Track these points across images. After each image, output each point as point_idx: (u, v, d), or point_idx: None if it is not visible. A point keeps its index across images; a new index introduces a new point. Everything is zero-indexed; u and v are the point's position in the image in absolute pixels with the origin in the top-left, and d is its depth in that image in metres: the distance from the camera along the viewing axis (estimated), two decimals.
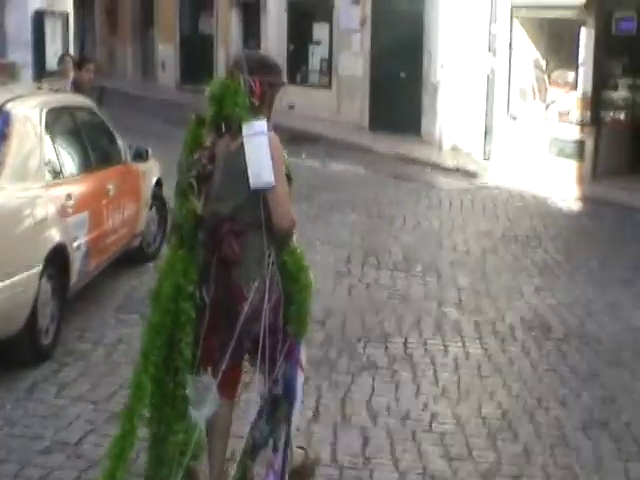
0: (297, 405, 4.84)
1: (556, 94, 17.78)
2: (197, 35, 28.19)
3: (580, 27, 16.84)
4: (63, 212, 7.54)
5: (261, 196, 4.47)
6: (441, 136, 19.12)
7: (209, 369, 4.65)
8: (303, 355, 4.87)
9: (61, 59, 14.04)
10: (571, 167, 16.97)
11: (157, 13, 29.55)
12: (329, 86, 22.78)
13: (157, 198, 10.58)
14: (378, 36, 21.31)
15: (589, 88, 16.84)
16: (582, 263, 11.45)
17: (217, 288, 4.61)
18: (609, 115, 17.40)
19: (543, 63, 18.24)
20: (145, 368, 4.57)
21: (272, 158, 4.42)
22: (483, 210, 14.29)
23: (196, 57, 27.55)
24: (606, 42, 16.57)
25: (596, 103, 16.87)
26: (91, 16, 32.75)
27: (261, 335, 4.51)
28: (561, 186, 16.15)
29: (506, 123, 18.22)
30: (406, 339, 8.21)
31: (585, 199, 15.57)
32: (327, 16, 22.77)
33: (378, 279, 10.14)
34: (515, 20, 18.07)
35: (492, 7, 18.09)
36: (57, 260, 7.31)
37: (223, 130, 4.54)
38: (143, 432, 4.86)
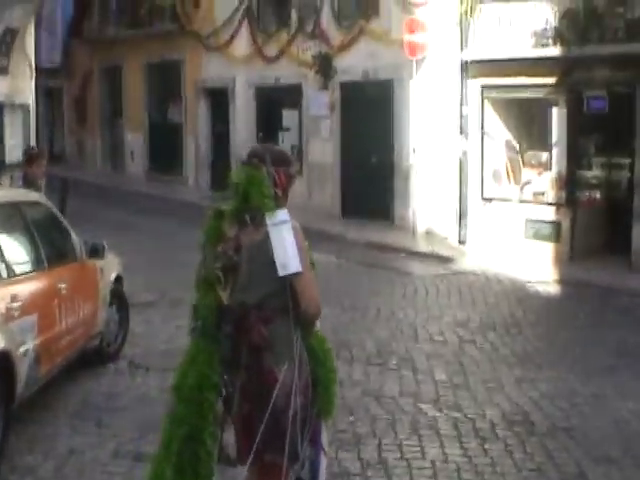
0: None
1: (530, 175, 17.54)
2: (166, 124, 27.86)
3: (551, 107, 16.64)
4: (7, 315, 7.02)
5: (288, 283, 4.60)
6: (414, 221, 18.72)
7: (243, 457, 4.73)
8: (325, 438, 4.98)
9: (25, 152, 13.65)
10: (548, 249, 16.66)
11: (125, 102, 29.20)
12: (300, 173, 22.35)
13: (117, 295, 10.10)
14: (348, 121, 21.06)
15: (563, 168, 16.63)
16: (564, 350, 11.01)
17: (249, 375, 4.68)
18: (584, 195, 17.18)
19: (516, 144, 18.03)
20: (167, 457, 4.63)
21: (297, 246, 4.57)
22: (460, 297, 13.83)
23: (165, 146, 27.24)
24: (578, 121, 16.41)
25: (571, 183, 16.65)
26: (60, 107, 32.43)
27: (290, 416, 4.59)
28: (539, 269, 15.78)
29: (480, 206, 17.91)
30: (380, 441, 7.68)
31: (564, 281, 15.15)
32: (296, 102, 22.51)
33: (351, 374, 9.60)
34: (486, 101, 17.88)
35: (462, 89, 17.89)
36: (0, 368, 6.78)
37: (247, 221, 4.66)
38: None
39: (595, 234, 16.82)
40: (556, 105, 16.63)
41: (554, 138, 16.82)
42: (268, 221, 4.59)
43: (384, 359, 10.23)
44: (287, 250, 4.54)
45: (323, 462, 4.97)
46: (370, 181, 20.18)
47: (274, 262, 4.55)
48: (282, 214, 4.63)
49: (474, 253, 17.20)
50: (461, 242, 18.07)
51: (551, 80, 16.39)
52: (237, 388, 4.72)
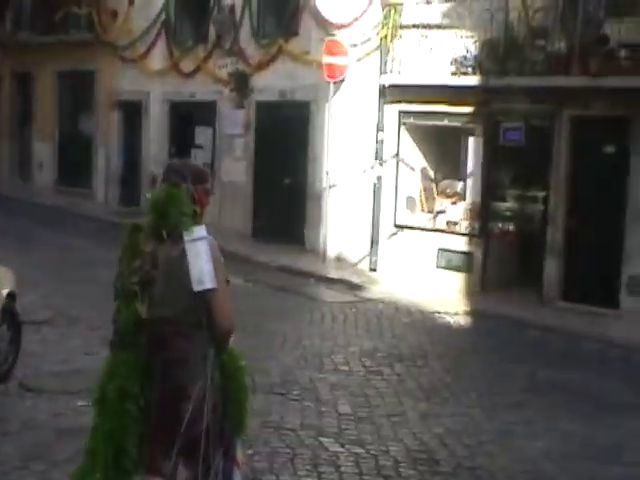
0: None
1: (444, 204, 17.33)
2: (77, 135, 27.12)
3: (468, 136, 16.48)
4: None
5: (203, 299, 4.67)
6: (325, 246, 18.38)
7: (155, 469, 4.76)
8: (239, 453, 5.05)
9: None
10: (459, 279, 16.47)
11: (36, 111, 28.35)
12: (212, 192, 21.85)
13: (8, 312, 9.49)
14: (262, 141, 20.68)
15: (477, 198, 16.47)
16: (471, 385, 10.72)
17: (161, 389, 4.71)
18: (497, 226, 17.01)
19: (431, 172, 17.85)
20: (93, 470, 4.67)
21: (213, 262, 4.64)
22: (367, 326, 13.49)
23: (75, 158, 26.50)
24: (494, 152, 16.25)
25: (484, 214, 16.49)
26: None
27: (202, 431, 4.65)
28: (449, 299, 15.53)
29: (393, 233, 17.64)
30: (278, 478, 7.27)
31: (474, 313, 14.90)
32: (210, 120, 22.04)
33: (252, 404, 9.13)
34: (403, 127, 17.65)
35: (379, 114, 17.63)
36: None
37: (165, 237, 4.69)
38: None
39: (507, 266, 16.67)
40: (473, 135, 16.47)
41: (469, 168, 16.64)
42: (185, 237, 4.65)
43: (287, 388, 9.81)
44: (203, 266, 4.61)
45: (237, 476, 5.01)
46: (283, 203, 19.80)
47: (189, 278, 4.62)
48: (199, 231, 4.70)
49: (385, 281, 16.91)
50: (372, 269, 17.77)
51: (469, 109, 16.25)
52: (152, 401, 4.75)
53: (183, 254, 4.66)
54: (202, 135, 22.47)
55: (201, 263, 4.63)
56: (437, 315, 14.70)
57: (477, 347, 12.91)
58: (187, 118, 23.04)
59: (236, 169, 21.19)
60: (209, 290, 4.67)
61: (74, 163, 26.52)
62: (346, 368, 10.92)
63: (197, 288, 4.64)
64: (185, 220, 4.71)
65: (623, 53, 14.06)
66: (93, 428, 4.82)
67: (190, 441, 4.70)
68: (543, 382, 11.04)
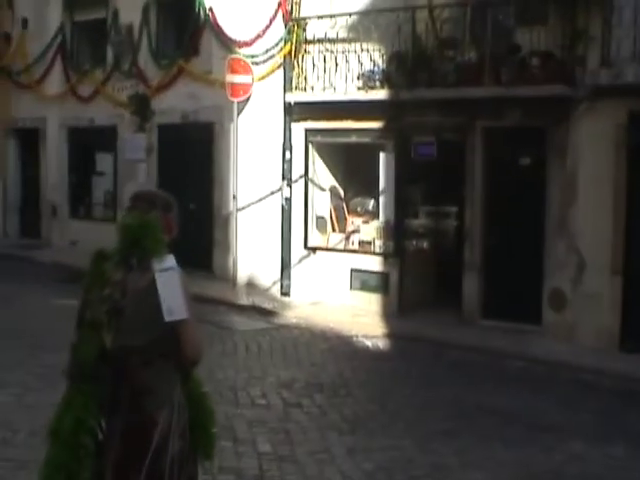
0: None
1: (356, 223, 16.77)
2: None
3: (379, 152, 15.97)
4: None
5: (172, 329, 4.52)
6: (235, 272, 17.58)
7: None
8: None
9: None
10: (376, 301, 15.94)
11: None
12: (114, 220, 20.99)
13: None
14: (166, 166, 19.95)
15: (391, 216, 15.99)
16: (397, 413, 10.11)
17: (127, 419, 4.60)
18: (412, 244, 16.55)
19: (341, 191, 17.31)
20: None
21: (183, 293, 4.51)
22: (283, 354, 12.80)
23: None
24: (406, 168, 15.77)
25: (398, 232, 15.99)
26: None
27: (168, 462, 4.55)
28: (367, 323, 14.96)
29: (305, 256, 17.02)
30: None
31: (393, 336, 14.32)
32: (111, 145, 21.25)
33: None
34: (310, 146, 17.09)
35: (285, 132, 17.02)
36: None
37: (134, 265, 4.61)
38: None
39: (424, 285, 16.25)
40: (384, 151, 15.97)
41: (381, 185, 16.14)
42: (155, 267, 4.54)
43: None
44: (173, 296, 4.49)
45: None
46: (189, 229, 18.83)
47: (159, 307, 4.47)
48: (170, 260, 4.57)
49: (299, 306, 16.28)
50: (284, 294, 17.11)
51: (379, 124, 15.78)
52: (116, 432, 4.63)
53: (152, 284, 4.53)
54: (103, 161, 21.74)
55: (172, 293, 4.51)
56: (355, 339, 14.10)
57: (399, 372, 12.29)
58: (87, 144, 22.19)
59: None
60: (179, 321, 4.52)
61: None
62: (264, 402, 10.22)
63: (168, 318, 4.49)
64: (160, 247, 4.61)
65: (535, 62, 13.69)
66: (45, 461, 4.62)
67: (156, 471, 4.58)
68: (471, 406, 10.49)
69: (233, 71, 17.52)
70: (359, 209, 17.04)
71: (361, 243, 16.55)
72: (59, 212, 22.71)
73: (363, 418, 9.82)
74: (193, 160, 19.13)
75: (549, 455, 8.78)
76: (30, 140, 23.66)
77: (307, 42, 16.61)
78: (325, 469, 8.11)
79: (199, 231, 18.70)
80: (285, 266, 17.17)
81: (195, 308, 4.71)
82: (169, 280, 4.53)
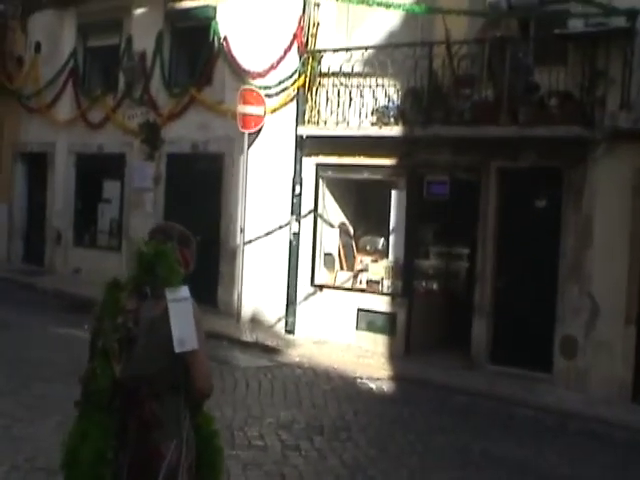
0: None
1: (365, 262, 16.37)
2: None
3: (390, 190, 15.59)
4: None
5: (182, 360, 4.52)
6: (240, 307, 17.22)
7: None
8: None
9: None
10: (382, 342, 15.52)
11: None
12: (119, 249, 20.75)
13: None
14: (173, 196, 19.58)
15: (400, 256, 15.59)
16: (400, 460, 9.66)
17: (135, 450, 4.55)
18: (421, 285, 16.16)
19: (351, 228, 16.94)
20: None
21: (195, 324, 4.50)
22: (284, 393, 12.35)
23: None
24: (418, 206, 15.42)
25: (408, 272, 15.60)
26: None
27: None
28: (371, 364, 14.52)
29: (311, 293, 16.61)
30: None
31: (399, 378, 13.88)
32: (119, 173, 20.89)
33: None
34: (321, 181, 16.74)
35: (296, 166, 16.68)
36: None
37: (148, 293, 4.61)
38: None
39: (433, 327, 15.81)
40: (395, 188, 15.61)
41: (392, 223, 15.74)
42: (169, 296, 4.53)
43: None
44: (185, 327, 4.48)
45: None
46: (194, 261, 18.56)
47: (170, 338, 4.46)
48: (183, 290, 4.58)
49: (302, 344, 15.85)
50: (289, 331, 16.69)
51: (391, 161, 15.46)
52: (124, 463, 4.56)
53: (165, 313, 4.52)
54: (110, 189, 21.38)
55: (184, 324, 4.50)
56: (359, 381, 13.66)
57: (403, 416, 11.81)
58: (94, 171, 21.81)
59: (145, 225, 19.76)
60: (190, 352, 4.51)
61: None
62: (261, 443, 9.78)
63: (179, 349, 4.49)
64: (175, 276, 4.65)
65: (553, 102, 13.34)
66: None
67: None
68: (478, 456, 10.06)
69: (245, 102, 17.21)
70: (368, 247, 16.65)
71: (369, 282, 16.13)
72: (63, 239, 22.35)
73: (363, 464, 9.39)
74: (201, 191, 18.75)
75: None
76: (38, 165, 23.36)
77: (322, 75, 16.27)
78: None
79: (204, 264, 17.88)
80: (290, 303, 16.77)
81: (206, 341, 4.69)
82: (182, 310, 4.52)
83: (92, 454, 4.49)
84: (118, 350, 4.58)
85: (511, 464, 9.77)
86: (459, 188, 15.07)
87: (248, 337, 16.14)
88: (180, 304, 4.53)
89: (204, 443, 4.79)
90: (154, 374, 4.58)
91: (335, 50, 16.13)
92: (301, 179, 16.67)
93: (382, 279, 15.89)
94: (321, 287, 16.57)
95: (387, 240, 16.06)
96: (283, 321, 16.86)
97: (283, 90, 17.17)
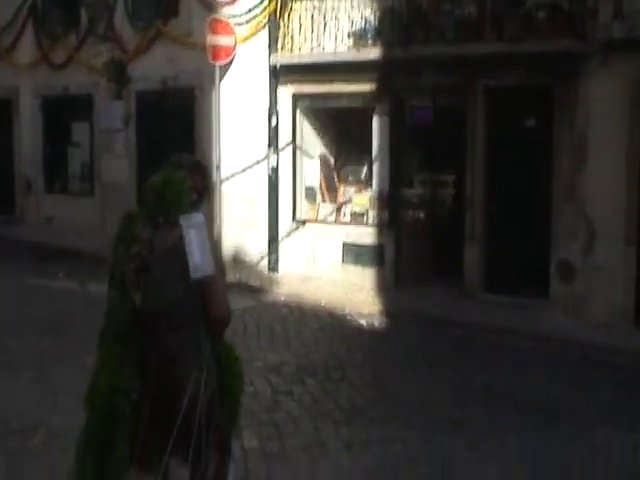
0: None
1: (348, 194, 15.68)
2: None
3: (372, 117, 14.86)
4: None
5: (199, 288, 4.50)
6: (219, 246, 16.46)
7: (147, 467, 4.61)
8: (234, 446, 5.02)
9: None
10: (370, 276, 14.89)
11: None
12: (92, 194, 20.01)
13: None
14: (145, 135, 18.76)
15: (385, 185, 14.87)
16: (398, 400, 9.09)
17: (157, 383, 4.54)
18: (408, 215, 15.52)
19: (332, 159, 16.23)
20: (83, 470, 4.54)
21: (211, 250, 4.48)
22: (271, 335, 11.72)
23: None
24: (401, 133, 14.70)
25: (393, 202, 14.91)
26: None
27: (196, 426, 4.49)
28: (361, 299, 13.92)
29: (293, 229, 15.93)
30: None
31: (390, 313, 13.27)
32: (87, 115, 20.05)
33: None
34: (298, 111, 15.95)
35: (271, 97, 15.90)
36: None
37: (161, 222, 4.60)
38: None
39: (422, 258, 15.15)
40: (377, 115, 14.85)
41: (374, 151, 15.01)
42: (183, 223, 4.52)
43: None
44: (201, 253, 4.46)
45: (232, 469, 4.89)
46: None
47: (186, 266, 4.46)
48: (197, 217, 4.56)
49: (287, 282, 15.22)
50: (272, 269, 16.05)
51: (371, 87, 14.69)
52: (147, 395, 4.57)
53: (180, 241, 4.52)
54: (79, 132, 20.55)
55: (199, 250, 4.47)
56: (349, 318, 13.06)
57: (398, 352, 11.23)
58: (61, 114, 20.92)
59: (117, 168, 19.27)
60: (206, 278, 4.49)
61: None
62: (250, 389, 9.06)
63: (194, 275, 4.47)
64: (183, 199, 4.62)
65: (541, 14, 12.61)
66: (84, 426, 4.65)
67: (185, 436, 4.57)
68: (478, 390, 9.51)
69: (214, 32, 16.34)
70: (351, 178, 15.98)
71: (353, 214, 15.53)
72: (34, 186, 21.54)
73: (360, 406, 8.81)
74: (173, 128, 17.94)
75: (570, 446, 7.79)
76: (2, 111, 22.40)
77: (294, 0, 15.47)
78: (319, 468, 7.10)
79: None
80: (273, 240, 16.10)
81: (223, 267, 4.67)
82: (197, 236, 4.47)
83: (107, 385, 4.53)
84: (136, 279, 4.58)
85: (514, 399, 9.21)
86: (443, 112, 14.50)
87: (230, 277, 15.43)
88: (195, 230, 4.49)
89: (224, 371, 4.80)
90: (171, 306, 4.56)
91: None
92: (277, 110, 15.90)
93: (367, 210, 15.28)
94: (304, 222, 15.90)
95: (370, 170, 15.39)
96: (266, 259, 16.19)
97: (253, 18, 16.31)
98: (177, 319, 4.58)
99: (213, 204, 16.39)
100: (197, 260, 4.47)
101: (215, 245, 4.69)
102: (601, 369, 10.66)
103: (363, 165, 15.76)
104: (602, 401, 9.27)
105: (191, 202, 4.70)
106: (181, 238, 4.52)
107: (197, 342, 4.62)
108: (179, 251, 4.50)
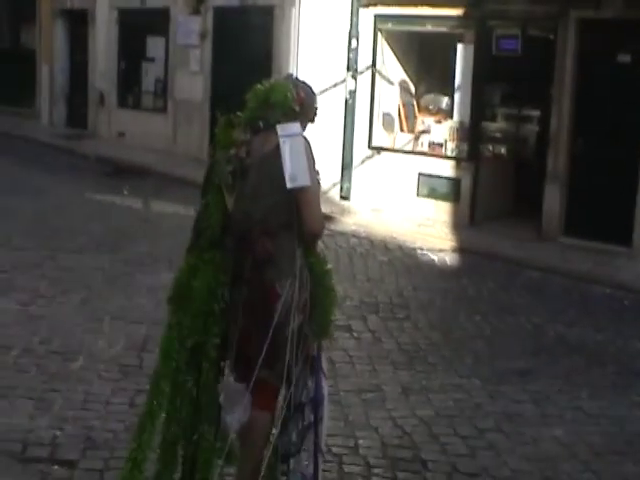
0: (324, 411, 4.71)
1: (427, 123, 15.03)
2: (17, 49, 24.39)
3: (456, 44, 14.19)
4: None
5: (294, 197, 4.44)
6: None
7: (242, 373, 4.55)
8: (324, 361, 4.83)
9: None
10: (445, 210, 14.31)
11: None
12: (164, 110, 19.60)
13: None
14: (221, 53, 18.19)
15: (466, 117, 14.24)
16: (463, 345, 8.60)
17: (251, 289, 4.53)
18: (488, 149, 14.87)
19: (412, 86, 15.54)
20: (165, 372, 4.53)
21: (308, 160, 4.42)
22: (337, 265, 11.08)
23: (15, 74, 23.80)
24: (486, 63, 13.96)
25: (474, 134, 14.27)
26: None
27: (288, 334, 4.45)
28: (433, 234, 13.34)
29: (368, 156, 15.32)
30: None
31: (463, 250, 12.70)
32: (163, 29, 19.54)
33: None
34: (380, 34, 15.23)
35: (352, 18, 15.20)
36: None
37: (261, 127, 4.56)
38: None
39: (500, 195, 14.50)
40: (462, 42, 14.17)
41: (457, 81, 14.33)
42: (280, 132, 4.44)
43: None
44: (297, 163, 4.38)
45: (325, 385, 4.77)
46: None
47: (282, 174, 4.38)
48: (295, 127, 4.48)
49: (358, 211, 14.68)
50: (344, 197, 15.49)
51: (458, 12, 13.94)
52: (239, 302, 4.55)
53: (277, 149, 4.43)
54: (154, 47, 20.00)
55: (296, 160, 4.38)
56: (419, 252, 12.49)
57: (468, 293, 10.66)
58: (137, 28, 20.39)
59: (191, 85, 18.79)
60: (302, 188, 4.41)
61: (14, 80, 23.75)
62: None
63: (290, 185, 4.39)
64: (288, 106, 4.55)
65: None
66: (168, 326, 4.62)
67: (278, 343, 4.45)
68: (551, 341, 8.95)
69: None
70: (431, 107, 15.27)
71: (431, 145, 14.82)
72: (107, 100, 21.20)
73: (423, 349, 8.32)
74: (250, 47, 17.38)
75: None
76: (78, 23, 21.99)
77: None
78: (373, 414, 6.65)
79: None
80: (346, 167, 15.52)
81: (317, 179, 4.57)
82: (294, 146, 4.41)
83: (204, 290, 4.51)
84: (232, 182, 4.56)
85: (589, 352, 8.64)
86: (532, 43, 13.69)
87: None
88: (292, 139, 4.41)
89: (316, 282, 4.64)
90: (266, 212, 4.51)
91: None
92: (358, 32, 15.16)
93: (445, 141, 14.58)
94: (379, 150, 15.28)
95: (451, 99, 14.74)
96: (338, 187, 15.62)
97: None
98: (272, 224, 4.53)
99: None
100: (293, 170, 4.39)
101: (311, 156, 4.52)
102: None
103: (445, 94, 15.11)
104: None
105: (294, 112, 4.59)
106: (277, 147, 4.45)
107: (292, 249, 4.55)
108: (275, 160, 4.43)
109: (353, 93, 15.29)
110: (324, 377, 4.80)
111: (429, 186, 14.44)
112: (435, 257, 12.32)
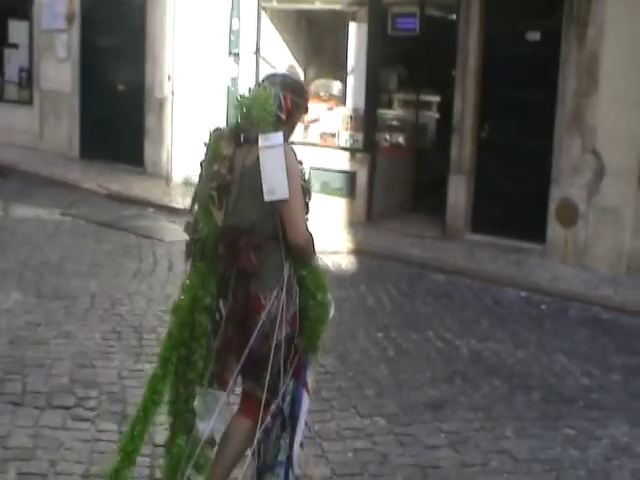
0: (299, 428, 4.70)
1: (318, 111, 14.00)
2: None
3: (348, 24, 13.44)
4: None
5: (276, 209, 4.46)
6: (169, 167, 14.90)
7: (224, 383, 4.58)
8: (310, 377, 4.78)
9: None
10: (339, 207, 13.50)
11: None
12: (30, 102, 18.22)
13: None
14: (90, 38, 16.96)
15: (361, 103, 13.52)
16: (365, 371, 7.35)
17: (235, 300, 4.54)
18: (385, 139, 14.18)
19: (300, 70, 14.51)
20: (164, 374, 4.56)
21: (287, 171, 4.39)
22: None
23: None
24: (382, 44, 13.33)
25: (369, 123, 13.56)
26: None
27: (272, 346, 4.44)
28: (329, 234, 12.22)
29: None
30: None
31: (360, 252, 11.73)
32: (25, 12, 18.16)
33: (13, 432, 5.58)
34: (264, 13, 14.42)
35: None
36: None
37: (242, 140, 4.56)
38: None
39: (400, 189, 13.92)
40: (354, 21, 13.39)
41: (350, 65, 13.56)
42: (261, 142, 4.39)
43: (77, 397, 6.20)
44: (275, 175, 4.34)
45: (305, 399, 4.70)
46: (117, 115, 16.35)
47: (262, 186, 4.39)
48: (276, 137, 4.39)
49: None
50: None
51: None
52: (225, 312, 4.55)
53: (258, 161, 4.37)
54: (16, 31, 18.65)
55: (274, 172, 4.31)
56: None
57: (367, 304, 9.44)
58: None
59: (59, 74, 17.56)
60: (282, 202, 4.34)
61: None
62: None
63: (267, 198, 4.34)
64: (266, 116, 4.44)
65: None
66: (167, 335, 4.59)
67: (261, 355, 4.43)
68: (465, 360, 7.86)
69: None
70: (322, 93, 14.40)
71: (323, 135, 14.01)
72: None
73: (320, 380, 6.94)
74: (122, 31, 16.30)
75: (582, 447, 6.12)
76: None
77: None
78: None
79: (127, 118, 16.22)
80: None
81: (299, 187, 4.40)
82: (273, 157, 4.32)
83: (189, 300, 4.50)
84: (217, 197, 4.50)
85: (509, 371, 7.58)
86: (430, 23, 13.32)
87: (179, 203, 13.65)
88: (271, 151, 4.35)
89: (307, 296, 4.58)
90: (250, 224, 4.47)
91: None
92: (239, 12, 14.04)
93: (338, 131, 13.83)
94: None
95: (344, 85, 14.00)
96: None
97: None
98: (258, 237, 4.47)
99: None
100: (271, 182, 4.34)
101: (295, 167, 4.43)
102: (610, 333, 9.09)
103: (336, 79, 14.38)
104: (613, 380, 7.59)
105: (277, 122, 4.50)
106: (258, 158, 4.41)
107: (278, 261, 4.49)
108: (256, 172, 4.39)
109: (235, 80, 14.17)
110: (307, 393, 4.70)
111: (321, 181, 13.52)
112: (329, 261, 11.08)
